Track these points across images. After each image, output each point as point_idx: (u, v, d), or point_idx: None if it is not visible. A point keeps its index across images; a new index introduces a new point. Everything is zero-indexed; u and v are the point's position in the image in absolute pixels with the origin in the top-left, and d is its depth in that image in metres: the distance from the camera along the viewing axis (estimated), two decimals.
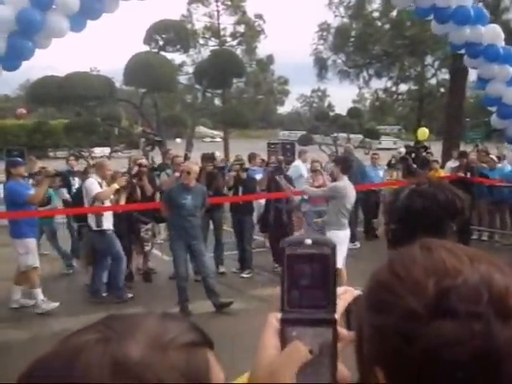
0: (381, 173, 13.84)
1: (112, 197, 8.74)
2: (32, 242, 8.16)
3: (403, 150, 15.07)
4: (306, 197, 10.14)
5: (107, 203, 8.65)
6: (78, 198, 8.99)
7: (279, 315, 0.85)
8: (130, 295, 8.71)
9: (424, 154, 13.74)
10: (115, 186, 8.50)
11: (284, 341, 0.83)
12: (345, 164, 8.12)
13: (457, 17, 8.59)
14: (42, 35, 6.56)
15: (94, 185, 8.45)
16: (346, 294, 1.11)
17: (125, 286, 8.93)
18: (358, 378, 0.85)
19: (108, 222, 8.52)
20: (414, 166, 12.51)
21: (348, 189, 7.89)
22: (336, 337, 0.83)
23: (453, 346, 0.69)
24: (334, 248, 0.84)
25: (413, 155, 12.94)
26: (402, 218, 2.11)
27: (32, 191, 8.34)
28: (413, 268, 0.77)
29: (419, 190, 2.11)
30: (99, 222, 8.42)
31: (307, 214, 11.82)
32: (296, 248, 0.84)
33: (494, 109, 9.53)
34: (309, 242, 0.84)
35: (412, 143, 18.57)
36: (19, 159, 9.52)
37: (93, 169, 9.34)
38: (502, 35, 9.09)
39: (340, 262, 7.68)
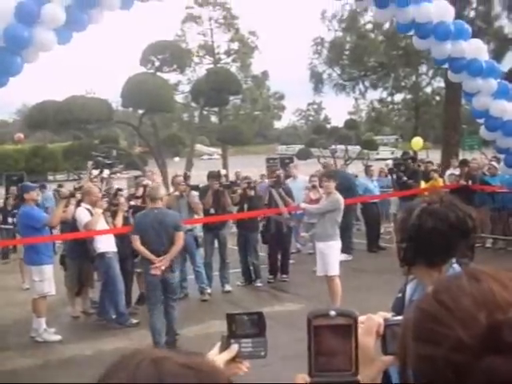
0: (375, 183, 14.19)
1: (110, 220, 8.62)
2: (49, 269, 7.96)
3: (390, 163, 15.28)
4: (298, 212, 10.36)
5: (105, 226, 8.49)
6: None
7: (307, 377, 0.94)
8: (134, 321, 8.38)
9: (413, 164, 13.73)
10: (98, 211, 8.31)
11: None
12: (336, 178, 8.51)
13: (437, 32, 8.54)
14: (30, 50, 6.45)
15: (82, 214, 8.34)
16: (369, 322, 1.13)
17: (132, 308, 8.85)
18: None
19: (105, 245, 8.32)
20: (404, 178, 12.54)
21: (342, 201, 8.27)
22: None
23: (506, 382, 0.68)
24: (356, 318, 0.93)
25: (402, 168, 12.94)
26: (413, 237, 2.11)
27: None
28: (461, 299, 0.76)
29: (430, 209, 2.11)
30: (95, 247, 8.30)
31: (295, 228, 12.10)
32: (322, 319, 0.93)
33: (482, 121, 9.51)
34: (333, 313, 0.93)
35: (410, 152, 18.57)
36: (31, 184, 9.23)
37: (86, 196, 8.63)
38: (485, 49, 9.06)
39: (336, 270, 8.04)
